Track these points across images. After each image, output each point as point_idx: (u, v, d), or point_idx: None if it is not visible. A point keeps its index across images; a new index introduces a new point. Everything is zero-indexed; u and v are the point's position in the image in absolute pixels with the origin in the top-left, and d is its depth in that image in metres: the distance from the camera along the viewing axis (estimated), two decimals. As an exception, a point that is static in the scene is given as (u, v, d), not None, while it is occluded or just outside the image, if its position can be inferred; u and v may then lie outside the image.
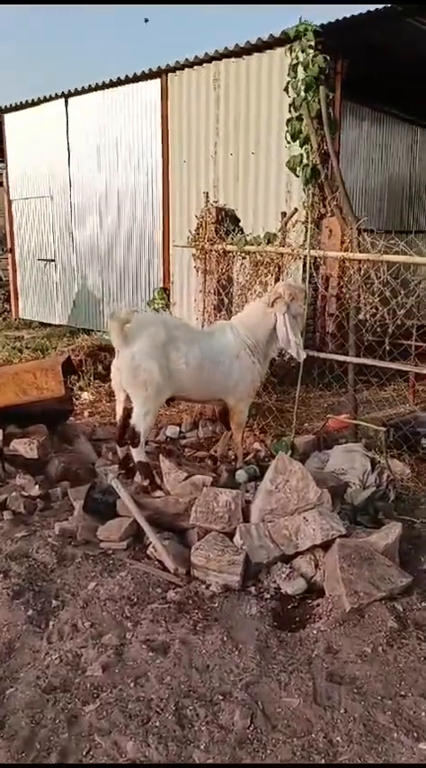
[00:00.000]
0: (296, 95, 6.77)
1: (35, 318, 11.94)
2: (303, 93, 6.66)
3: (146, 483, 4.05)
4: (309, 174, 6.80)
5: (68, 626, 2.86)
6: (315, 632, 2.83)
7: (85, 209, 10.52)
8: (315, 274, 5.20)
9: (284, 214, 5.82)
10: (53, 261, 11.33)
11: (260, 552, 3.27)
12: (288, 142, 6.96)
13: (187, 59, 8.43)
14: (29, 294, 12.09)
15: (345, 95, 7.56)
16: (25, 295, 12.20)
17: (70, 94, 10.25)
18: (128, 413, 4.18)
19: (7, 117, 11.71)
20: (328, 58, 6.59)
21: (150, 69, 8.90)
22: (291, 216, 5.56)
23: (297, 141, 6.84)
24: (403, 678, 2.54)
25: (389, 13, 6.28)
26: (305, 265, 4.95)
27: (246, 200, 8.12)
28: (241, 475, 4.31)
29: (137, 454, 4.10)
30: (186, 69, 8.60)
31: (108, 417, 5.76)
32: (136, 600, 3.03)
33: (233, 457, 4.72)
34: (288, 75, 6.89)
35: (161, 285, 9.27)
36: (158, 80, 8.96)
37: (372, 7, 6.26)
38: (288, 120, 6.92)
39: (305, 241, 5.02)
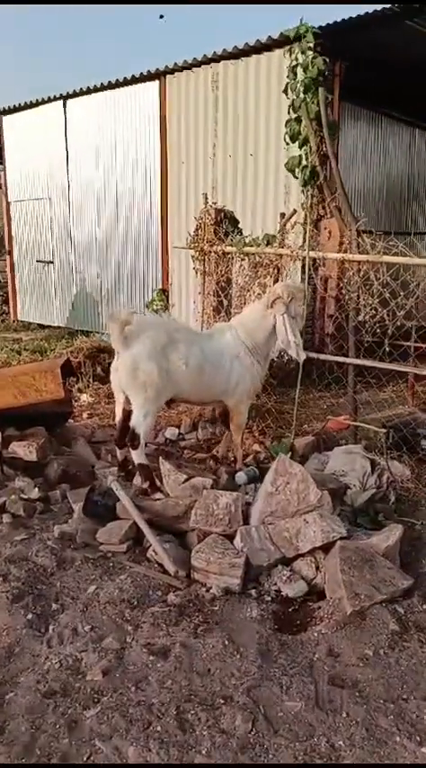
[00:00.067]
0: (295, 97, 6.77)
1: (33, 320, 11.94)
2: (302, 95, 6.66)
3: (145, 485, 4.05)
4: (308, 175, 6.79)
5: (68, 630, 2.84)
6: (316, 635, 2.81)
7: (84, 211, 10.51)
8: (314, 276, 5.20)
9: (283, 215, 5.83)
10: (51, 262, 11.33)
11: (260, 555, 3.26)
12: (287, 143, 6.97)
13: (186, 61, 8.43)
14: (27, 295, 12.09)
15: (344, 97, 7.58)
16: (23, 296, 12.19)
17: (69, 96, 10.26)
18: (127, 415, 4.18)
19: (6, 119, 11.72)
20: (327, 60, 6.59)
21: (149, 71, 8.91)
22: (290, 217, 5.56)
23: (296, 143, 6.84)
24: (404, 681, 2.53)
25: (388, 14, 6.29)
26: (304, 267, 4.95)
27: (245, 201, 8.12)
28: (241, 477, 4.30)
29: (137, 456, 4.09)
30: (185, 71, 8.60)
31: (107, 419, 5.74)
32: (136, 603, 3.02)
33: (233, 458, 4.72)
34: (288, 76, 6.90)
35: (160, 286, 9.26)
36: (157, 82, 8.96)
37: (371, 8, 6.28)
38: (287, 122, 6.93)
39: (304, 242, 5.02)
